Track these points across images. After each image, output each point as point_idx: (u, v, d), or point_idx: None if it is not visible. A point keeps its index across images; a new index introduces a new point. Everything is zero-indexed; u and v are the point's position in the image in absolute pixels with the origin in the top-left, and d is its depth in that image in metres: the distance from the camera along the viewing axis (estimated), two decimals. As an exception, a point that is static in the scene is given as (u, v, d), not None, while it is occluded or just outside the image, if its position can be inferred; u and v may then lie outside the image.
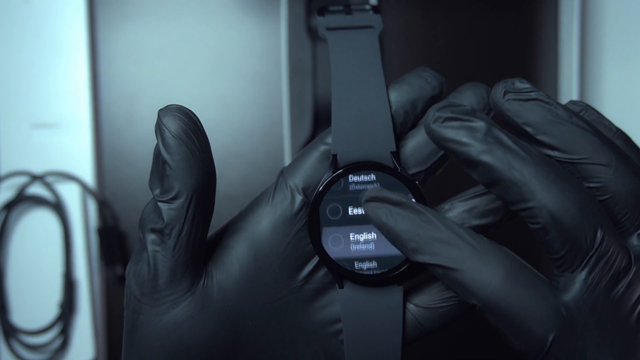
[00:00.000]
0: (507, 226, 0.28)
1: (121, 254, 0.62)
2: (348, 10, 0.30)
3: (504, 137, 0.24)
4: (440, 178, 0.30)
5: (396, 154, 0.28)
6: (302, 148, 0.60)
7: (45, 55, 0.62)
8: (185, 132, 0.27)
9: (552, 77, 0.62)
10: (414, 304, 0.29)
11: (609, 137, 0.26)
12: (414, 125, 0.29)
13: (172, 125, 0.27)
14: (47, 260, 0.61)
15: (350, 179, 0.28)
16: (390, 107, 0.29)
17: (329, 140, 0.29)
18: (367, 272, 0.28)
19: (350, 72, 0.29)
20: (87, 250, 0.61)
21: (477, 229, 0.28)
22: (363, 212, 0.28)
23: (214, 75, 0.63)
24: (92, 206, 0.62)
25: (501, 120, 0.25)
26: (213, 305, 0.28)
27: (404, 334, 0.29)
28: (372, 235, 0.28)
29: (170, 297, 0.28)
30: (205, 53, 0.63)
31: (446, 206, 0.29)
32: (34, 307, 0.61)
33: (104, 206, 0.62)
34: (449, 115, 0.24)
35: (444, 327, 0.29)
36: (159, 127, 0.27)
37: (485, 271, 0.24)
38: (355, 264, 0.28)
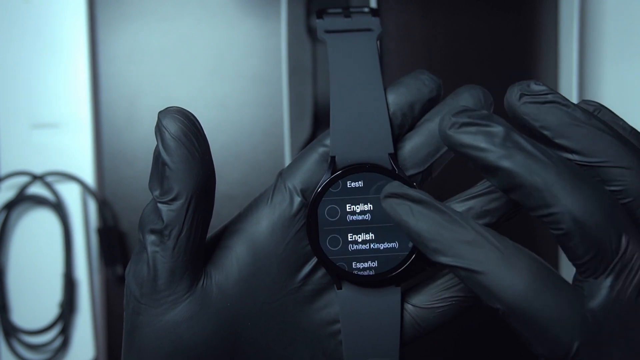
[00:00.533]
0: (505, 227, 0.28)
1: (121, 254, 0.63)
2: (347, 13, 0.31)
3: (523, 142, 0.23)
4: (438, 179, 0.30)
5: (394, 156, 0.29)
6: (302, 148, 0.60)
7: (45, 55, 0.62)
8: (185, 133, 0.27)
9: (552, 77, 0.63)
10: (412, 304, 0.29)
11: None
12: (411, 127, 0.30)
13: (172, 127, 0.27)
14: (47, 260, 0.61)
15: (348, 181, 0.28)
16: (388, 110, 0.29)
17: (328, 142, 0.29)
18: (365, 273, 0.29)
19: (349, 74, 0.29)
20: (87, 250, 0.62)
21: None
22: (360, 209, 0.29)
23: (214, 76, 0.63)
24: (92, 206, 0.62)
25: (517, 124, 0.25)
26: (212, 306, 0.28)
27: (402, 334, 0.29)
28: (370, 236, 0.29)
29: (169, 298, 0.28)
30: (205, 53, 0.63)
31: (444, 207, 0.29)
32: (34, 307, 0.61)
33: (104, 206, 0.62)
34: (466, 120, 0.23)
35: (442, 327, 0.29)
36: (159, 129, 0.27)
37: (511, 275, 0.23)
38: (354, 265, 0.29)
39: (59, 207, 0.61)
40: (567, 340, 0.23)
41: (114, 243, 0.62)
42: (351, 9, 0.31)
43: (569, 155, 0.24)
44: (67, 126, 0.62)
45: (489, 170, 0.23)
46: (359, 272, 0.29)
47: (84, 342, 0.61)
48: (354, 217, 0.29)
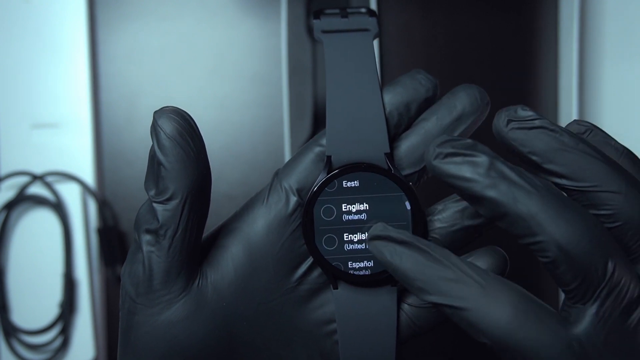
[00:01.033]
0: (507, 241, 0.28)
1: (121, 254, 0.63)
2: (344, 13, 0.31)
3: (507, 171, 0.23)
4: (433, 178, 0.30)
5: (390, 155, 0.29)
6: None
7: (45, 55, 0.62)
8: (180, 133, 0.27)
9: (552, 77, 0.62)
10: (408, 304, 0.29)
11: (616, 157, 0.26)
12: (407, 127, 0.30)
13: (167, 126, 0.27)
14: (47, 260, 0.61)
15: (344, 181, 0.28)
16: (384, 109, 0.29)
17: (324, 141, 0.29)
18: (361, 273, 0.29)
19: (345, 74, 0.29)
20: (87, 250, 0.62)
21: (469, 229, 0.28)
22: (356, 209, 0.29)
23: (214, 76, 0.63)
24: (92, 206, 0.62)
25: (505, 150, 0.25)
26: (208, 306, 0.28)
27: (398, 333, 0.29)
28: (366, 236, 0.29)
29: (165, 298, 0.28)
30: (205, 53, 0.63)
31: (439, 206, 0.29)
32: (34, 307, 0.61)
33: (104, 206, 0.62)
34: (450, 150, 0.24)
35: (438, 326, 0.29)
36: (154, 129, 0.27)
37: (493, 309, 0.23)
38: (349, 265, 0.29)
39: (59, 207, 0.61)
40: None
41: (114, 243, 0.62)
42: (348, 10, 0.31)
43: (558, 180, 0.24)
44: (67, 126, 0.62)
45: (475, 199, 0.24)
46: (355, 272, 0.29)
47: (84, 342, 0.61)
48: (350, 217, 0.29)
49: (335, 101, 0.29)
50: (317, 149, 0.29)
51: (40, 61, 0.62)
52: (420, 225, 0.28)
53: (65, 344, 0.61)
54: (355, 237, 0.29)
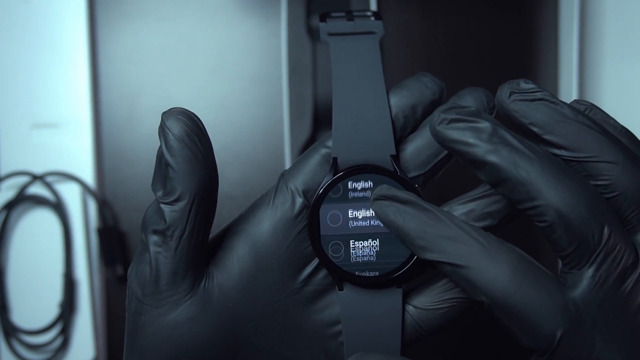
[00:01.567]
0: (506, 229, 0.28)
1: (121, 254, 0.62)
2: (350, 16, 0.31)
3: (509, 137, 0.24)
4: (439, 181, 0.30)
5: (396, 158, 0.29)
6: (302, 148, 0.60)
7: (45, 55, 0.62)
8: (189, 134, 0.27)
9: (552, 77, 0.63)
10: (413, 306, 0.29)
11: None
12: (413, 130, 0.30)
13: (176, 128, 0.27)
14: (47, 260, 0.61)
15: (350, 187, 0.29)
16: (391, 112, 0.29)
17: (330, 143, 0.29)
18: (367, 275, 0.29)
19: (351, 76, 0.29)
20: (87, 250, 0.62)
21: None
22: (362, 215, 0.29)
23: (214, 76, 0.63)
24: (92, 206, 0.62)
25: (507, 122, 0.25)
26: (214, 307, 0.28)
27: (403, 335, 0.29)
28: (373, 245, 0.29)
29: (171, 298, 0.28)
30: (205, 53, 0.63)
31: (445, 208, 0.29)
32: (34, 307, 0.61)
33: (104, 206, 0.62)
34: (454, 116, 0.24)
35: (443, 328, 0.29)
36: (163, 130, 0.27)
37: (493, 268, 0.24)
38: (356, 272, 0.29)
39: (59, 207, 0.61)
40: (550, 330, 0.23)
41: (114, 243, 0.62)
42: (354, 13, 0.31)
43: (557, 151, 0.25)
44: (67, 126, 0.62)
45: (476, 164, 0.24)
46: (360, 274, 0.29)
47: (84, 342, 0.61)
48: (356, 224, 0.29)
49: (341, 103, 0.29)
50: (323, 151, 0.29)
51: (40, 61, 0.62)
52: None
53: (65, 344, 0.61)
54: (361, 244, 0.29)
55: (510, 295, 0.24)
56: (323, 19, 0.31)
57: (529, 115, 0.25)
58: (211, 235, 0.30)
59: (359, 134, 0.29)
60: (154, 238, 0.28)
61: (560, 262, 0.25)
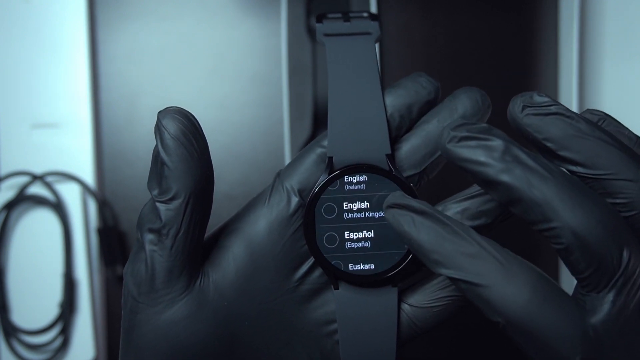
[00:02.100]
0: (505, 230, 0.28)
1: (121, 254, 0.63)
2: (346, 17, 0.31)
3: (522, 155, 0.23)
4: (434, 180, 0.30)
5: (391, 157, 0.29)
6: (302, 148, 0.60)
7: (45, 55, 0.62)
8: (184, 133, 0.27)
9: (552, 77, 0.63)
10: (409, 304, 0.29)
11: (629, 146, 0.25)
12: (409, 129, 0.30)
13: (171, 127, 0.27)
14: (47, 260, 0.61)
15: (345, 180, 0.29)
16: (386, 111, 0.29)
17: (326, 143, 0.29)
18: (362, 273, 0.29)
19: (347, 76, 0.29)
20: (87, 250, 0.62)
21: None
22: (357, 207, 0.29)
23: (214, 76, 0.63)
24: (92, 206, 0.62)
25: (521, 136, 0.24)
26: (209, 305, 0.28)
27: (399, 334, 0.29)
28: (367, 236, 0.29)
29: (167, 297, 0.28)
30: (205, 53, 0.63)
31: (439, 207, 0.29)
32: (34, 307, 0.61)
33: (104, 206, 0.63)
34: (465, 134, 0.23)
35: (439, 326, 0.29)
36: (158, 129, 0.27)
37: (512, 288, 0.22)
38: (350, 265, 0.29)
39: (59, 207, 0.61)
40: (568, 356, 0.22)
41: (114, 243, 0.62)
42: (350, 14, 0.31)
43: (573, 168, 0.24)
44: (67, 126, 0.62)
45: (489, 184, 0.23)
46: (355, 272, 0.29)
47: (84, 342, 0.61)
48: (351, 215, 0.29)
49: (337, 103, 0.29)
50: (319, 150, 0.29)
51: (40, 61, 0.62)
52: None
53: (65, 344, 0.61)
54: (356, 237, 0.29)
55: (528, 318, 0.22)
56: (319, 20, 0.31)
57: (544, 130, 0.24)
58: (207, 234, 0.30)
59: (355, 133, 0.29)
60: (149, 236, 0.28)
61: (563, 263, 0.24)
